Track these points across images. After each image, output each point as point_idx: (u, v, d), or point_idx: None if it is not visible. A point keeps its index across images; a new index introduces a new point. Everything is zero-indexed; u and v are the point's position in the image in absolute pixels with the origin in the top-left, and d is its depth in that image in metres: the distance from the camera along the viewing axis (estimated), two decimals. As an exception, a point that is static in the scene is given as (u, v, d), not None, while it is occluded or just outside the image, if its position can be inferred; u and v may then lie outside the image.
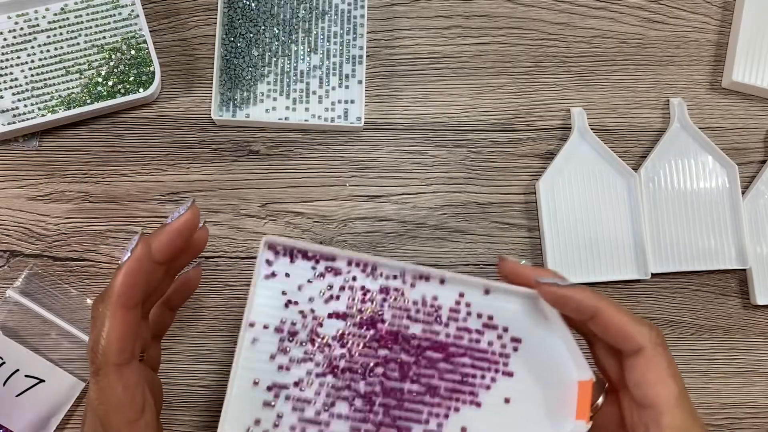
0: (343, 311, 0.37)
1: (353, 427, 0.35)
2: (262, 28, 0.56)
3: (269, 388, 0.35)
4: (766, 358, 0.57)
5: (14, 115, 0.54)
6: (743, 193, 0.57)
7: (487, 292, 0.38)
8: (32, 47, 0.54)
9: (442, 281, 0.37)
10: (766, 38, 0.58)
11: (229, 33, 0.56)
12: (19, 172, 0.54)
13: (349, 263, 0.37)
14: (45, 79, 0.54)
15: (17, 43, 0.54)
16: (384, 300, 0.37)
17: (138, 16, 0.55)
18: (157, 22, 0.56)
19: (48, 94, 0.54)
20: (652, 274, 0.55)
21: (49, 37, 0.55)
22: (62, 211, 0.54)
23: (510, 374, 0.37)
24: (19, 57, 0.54)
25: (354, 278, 0.37)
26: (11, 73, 0.54)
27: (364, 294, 0.37)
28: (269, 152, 0.56)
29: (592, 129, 0.57)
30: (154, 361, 0.43)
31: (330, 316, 0.36)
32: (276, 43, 0.57)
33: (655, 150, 0.57)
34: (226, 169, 0.55)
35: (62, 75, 0.54)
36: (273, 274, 0.36)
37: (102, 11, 0.55)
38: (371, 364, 0.36)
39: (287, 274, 0.37)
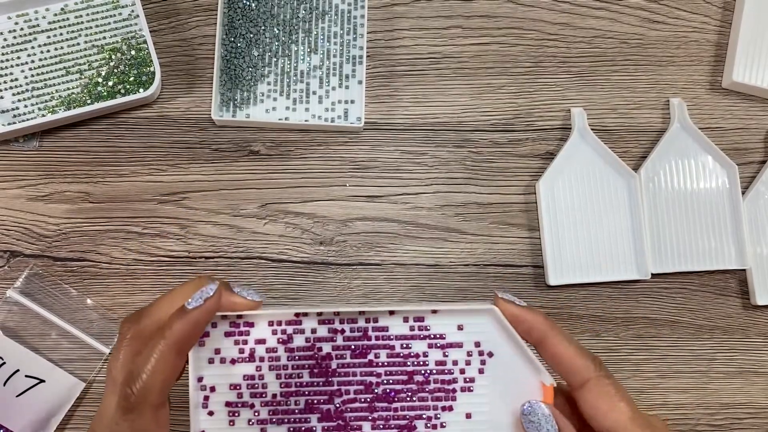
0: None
1: None
2: (263, 28, 0.56)
3: None
4: (765, 358, 0.57)
5: (14, 116, 0.54)
6: (743, 193, 0.57)
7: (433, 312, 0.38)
8: (32, 47, 0.54)
9: (391, 312, 0.37)
10: (766, 38, 0.58)
11: (230, 33, 0.56)
12: (19, 173, 0.54)
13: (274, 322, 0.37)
14: (45, 80, 0.54)
15: (17, 44, 0.54)
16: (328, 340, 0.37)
17: (138, 16, 0.55)
18: (157, 23, 0.56)
19: (48, 94, 0.54)
20: (652, 275, 0.55)
21: (49, 37, 0.55)
22: (62, 211, 0.54)
23: (470, 390, 0.37)
24: (19, 57, 0.54)
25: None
26: (11, 74, 0.54)
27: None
28: (269, 152, 0.56)
29: (592, 129, 0.57)
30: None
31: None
32: (276, 44, 0.57)
33: (655, 150, 0.57)
34: (226, 169, 0.55)
35: (62, 75, 0.54)
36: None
37: (102, 11, 0.55)
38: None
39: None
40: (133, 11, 0.55)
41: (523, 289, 0.56)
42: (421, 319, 0.37)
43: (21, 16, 0.55)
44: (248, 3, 0.57)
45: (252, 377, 0.36)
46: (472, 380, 0.37)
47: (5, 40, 0.54)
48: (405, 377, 0.36)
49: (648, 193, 0.56)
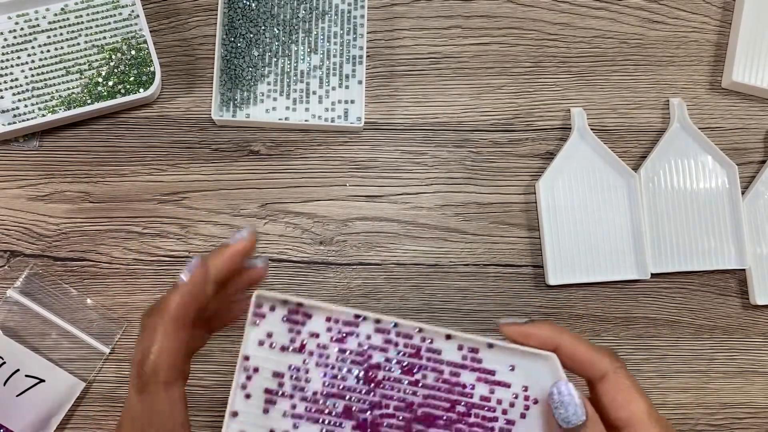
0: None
1: None
2: (263, 28, 0.56)
3: None
4: (765, 358, 0.57)
5: (14, 115, 0.54)
6: (743, 193, 0.57)
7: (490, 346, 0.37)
8: (32, 47, 0.55)
9: (448, 337, 0.36)
10: (766, 38, 0.58)
11: (230, 33, 0.56)
12: (20, 173, 0.54)
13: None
14: (45, 80, 0.54)
15: (18, 44, 0.54)
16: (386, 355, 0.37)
17: (138, 16, 0.55)
18: (157, 23, 0.56)
19: (48, 94, 0.54)
20: (652, 274, 0.55)
21: (49, 37, 0.55)
22: (62, 211, 0.54)
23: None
24: (19, 57, 0.54)
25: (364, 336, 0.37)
26: (11, 73, 0.54)
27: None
28: (269, 152, 0.56)
29: (592, 129, 0.57)
30: (184, 378, 0.43)
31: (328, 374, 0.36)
32: (276, 44, 0.57)
33: (655, 150, 0.57)
34: (227, 169, 0.55)
35: (62, 75, 0.54)
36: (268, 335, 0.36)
37: (102, 11, 0.55)
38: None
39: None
40: (133, 11, 0.55)
41: (522, 289, 0.56)
42: (475, 350, 0.36)
43: (21, 16, 0.55)
44: (248, 3, 0.57)
45: (297, 369, 0.35)
46: (512, 423, 0.36)
47: (5, 40, 0.54)
48: (447, 404, 0.36)
49: (648, 193, 0.56)
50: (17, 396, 0.50)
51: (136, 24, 0.55)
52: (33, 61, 0.54)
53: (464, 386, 0.36)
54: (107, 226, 0.54)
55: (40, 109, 0.54)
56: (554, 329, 0.36)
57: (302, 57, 0.57)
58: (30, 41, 0.55)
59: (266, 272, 0.40)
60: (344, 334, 0.36)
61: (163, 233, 0.54)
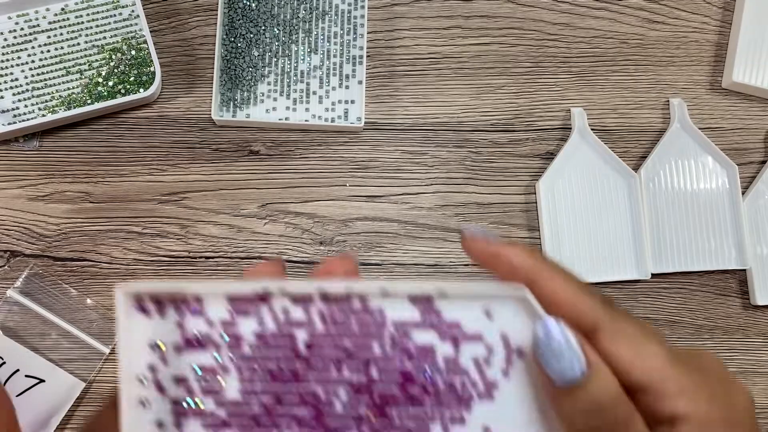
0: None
1: None
2: (263, 28, 0.56)
3: None
4: (765, 358, 0.57)
5: (15, 116, 0.54)
6: (743, 193, 0.57)
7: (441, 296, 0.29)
8: (33, 47, 0.55)
9: (385, 294, 0.29)
10: (766, 39, 0.58)
11: (230, 33, 0.56)
12: (20, 173, 0.54)
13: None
14: (45, 80, 0.54)
15: (18, 44, 0.54)
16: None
17: (138, 16, 0.55)
18: (157, 23, 0.56)
19: (48, 94, 0.54)
20: (652, 275, 0.55)
21: (49, 37, 0.55)
22: (62, 211, 0.54)
23: (491, 397, 0.29)
24: (19, 57, 0.54)
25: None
26: (12, 74, 0.54)
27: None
28: (269, 152, 0.56)
29: (592, 129, 0.57)
30: None
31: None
32: (276, 44, 0.57)
33: (655, 150, 0.57)
34: (227, 169, 0.55)
35: (63, 75, 0.54)
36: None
37: (102, 11, 0.55)
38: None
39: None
40: (133, 11, 0.55)
41: (523, 289, 0.56)
42: (428, 300, 0.28)
43: (21, 16, 0.55)
44: (248, 3, 0.57)
45: (204, 369, 0.29)
46: (493, 385, 0.28)
47: (5, 40, 0.54)
48: (400, 378, 0.29)
49: (648, 193, 0.56)
50: (17, 396, 0.50)
51: (136, 24, 0.55)
52: (33, 61, 0.54)
53: (422, 350, 0.28)
54: (107, 226, 0.54)
55: (40, 109, 0.54)
56: (531, 258, 0.27)
57: (302, 57, 0.57)
58: (30, 41, 0.55)
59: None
60: (252, 316, 0.29)
61: (163, 233, 0.54)
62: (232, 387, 0.29)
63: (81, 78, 0.55)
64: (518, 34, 0.58)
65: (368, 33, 0.57)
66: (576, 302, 0.26)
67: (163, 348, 0.29)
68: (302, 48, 0.57)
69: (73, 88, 0.54)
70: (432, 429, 0.29)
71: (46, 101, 0.54)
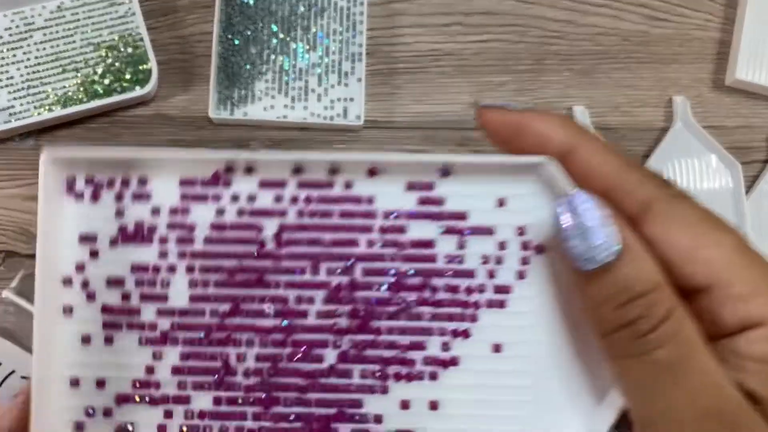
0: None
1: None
2: (260, 25, 0.56)
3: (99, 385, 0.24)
4: None
5: (10, 114, 0.53)
6: (747, 192, 0.57)
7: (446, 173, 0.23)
8: (28, 45, 0.54)
9: (372, 172, 0.23)
10: (771, 36, 0.58)
11: (227, 30, 0.55)
12: (15, 172, 0.54)
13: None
14: (41, 77, 0.54)
15: (13, 41, 0.54)
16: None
17: (135, 13, 0.54)
18: (154, 20, 0.56)
19: (44, 92, 0.54)
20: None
21: (45, 34, 0.54)
22: (58, 211, 0.54)
23: (502, 306, 0.23)
24: (14, 55, 0.54)
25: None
26: (7, 71, 0.54)
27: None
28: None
29: (594, 127, 0.56)
30: None
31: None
32: (274, 41, 0.56)
33: (658, 149, 0.56)
34: (224, 168, 0.55)
35: (58, 73, 0.54)
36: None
37: (98, 9, 0.55)
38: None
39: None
40: (129, 8, 0.55)
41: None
42: (428, 186, 0.23)
43: (17, 13, 0.54)
44: (246, 0, 0.56)
45: (145, 269, 0.23)
46: (505, 289, 0.23)
47: (1, 37, 0.54)
48: (392, 280, 0.23)
49: (651, 193, 0.56)
50: (13, 397, 0.50)
51: (132, 21, 0.55)
52: (29, 59, 0.54)
53: (419, 245, 0.23)
54: (104, 226, 0.54)
55: (35, 107, 0.53)
56: (565, 124, 0.21)
57: (301, 54, 0.56)
58: (25, 39, 0.54)
59: None
60: (209, 202, 0.23)
61: (161, 233, 0.54)
62: (179, 292, 0.23)
63: (77, 76, 0.54)
64: (520, 31, 0.58)
65: (367, 30, 0.57)
66: (622, 178, 0.20)
67: (97, 241, 0.23)
68: (301, 45, 0.56)
69: (69, 86, 0.54)
70: (429, 345, 0.23)
71: (42, 99, 0.54)
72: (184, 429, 0.23)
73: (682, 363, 0.19)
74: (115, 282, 0.23)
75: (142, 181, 0.23)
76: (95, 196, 0.23)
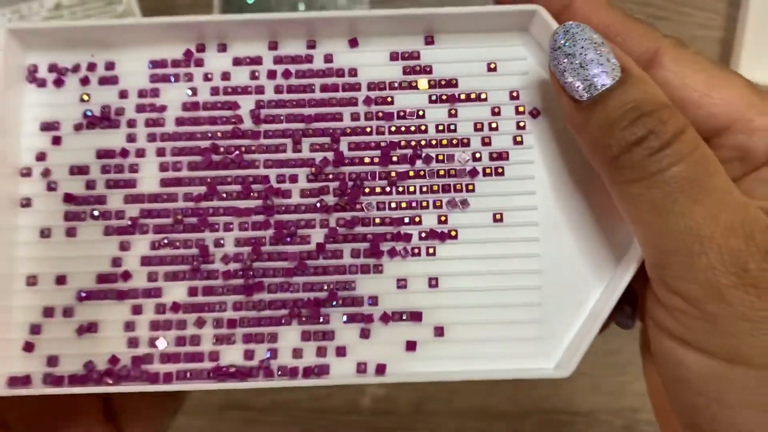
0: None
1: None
2: (260, 24, 0.56)
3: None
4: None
5: (8, 114, 0.53)
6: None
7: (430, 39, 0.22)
8: (26, 44, 0.54)
9: (353, 42, 0.22)
10: (774, 35, 0.57)
11: (226, 30, 0.55)
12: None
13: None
14: (39, 77, 0.53)
15: (11, 41, 0.54)
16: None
17: (133, 13, 0.54)
18: (153, 19, 0.56)
19: (42, 92, 0.53)
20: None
21: (43, 34, 0.54)
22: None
23: (500, 173, 0.22)
24: (12, 54, 0.54)
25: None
26: (5, 71, 0.53)
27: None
28: (267, 151, 0.55)
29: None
30: None
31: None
32: (274, 40, 0.56)
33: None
34: (224, 168, 0.54)
35: (56, 73, 0.54)
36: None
37: (97, 8, 0.55)
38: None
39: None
40: (128, 8, 0.54)
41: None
42: (413, 56, 0.22)
43: (15, 12, 0.54)
44: (245, 0, 0.56)
45: (112, 154, 0.22)
46: (501, 156, 0.22)
47: (-2, 37, 0.54)
48: (377, 153, 0.22)
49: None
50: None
51: (131, 21, 0.54)
52: (26, 59, 0.54)
53: (408, 115, 0.22)
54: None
55: (33, 107, 0.53)
56: None
57: (300, 54, 0.56)
58: (23, 38, 0.54)
59: None
60: (180, 81, 0.23)
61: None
62: (149, 177, 0.22)
63: (75, 76, 0.54)
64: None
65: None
66: (626, 26, 0.21)
67: (60, 129, 0.22)
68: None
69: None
70: (424, 219, 0.22)
71: (40, 99, 0.53)
72: (155, 325, 0.22)
73: (702, 180, 0.18)
74: (78, 170, 0.22)
75: (109, 66, 0.22)
76: (58, 83, 0.22)
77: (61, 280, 0.22)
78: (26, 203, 0.22)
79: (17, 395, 0.20)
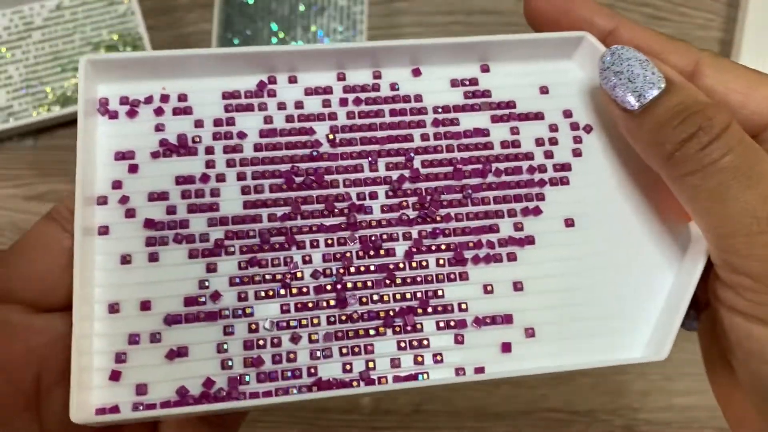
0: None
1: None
2: (260, 24, 0.56)
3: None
4: (771, 360, 0.56)
5: (9, 114, 0.53)
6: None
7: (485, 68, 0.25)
8: (27, 44, 0.54)
9: (416, 72, 0.25)
10: (773, 35, 0.57)
11: (227, 29, 0.55)
12: (14, 171, 0.54)
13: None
14: (40, 77, 0.54)
15: (12, 40, 0.54)
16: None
17: (134, 13, 0.54)
18: (153, 19, 0.56)
19: (43, 92, 0.53)
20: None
21: (44, 34, 0.54)
22: (57, 211, 0.53)
23: (565, 183, 0.24)
24: (13, 54, 0.54)
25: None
26: (6, 71, 0.53)
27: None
28: (267, 151, 0.55)
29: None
30: None
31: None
32: (274, 40, 0.56)
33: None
34: (224, 168, 0.55)
35: (58, 72, 0.54)
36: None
37: (98, 8, 0.55)
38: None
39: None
40: (129, 8, 0.55)
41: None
42: (474, 82, 0.25)
43: (16, 12, 0.54)
44: (245, 0, 0.56)
45: (191, 180, 0.23)
46: (564, 167, 0.24)
47: (-1, 37, 0.54)
48: (450, 168, 0.24)
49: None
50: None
51: (131, 21, 0.55)
52: (27, 59, 0.54)
53: (472, 134, 0.24)
54: (103, 226, 0.53)
55: (34, 107, 0.53)
56: (606, 9, 0.24)
57: (301, 54, 0.56)
58: (24, 38, 0.54)
59: None
60: (255, 111, 0.23)
61: (160, 233, 0.54)
62: (231, 200, 0.23)
63: (76, 75, 0.54)
64: (521, 30, 0.57)
65: (368, 29, 0.56)
66: (668, 46, 0.23)
67: (135, 157, 0.22)
68: (300, 44, 0.56)
69: (69, 85, 0.54)
70: (501, 228, 0.23)
71: (41, 99, 0.53)
72: (248, 344, 0.21)
73: (752, 167, 0.20)
74: (158, 196, 0.22)
75: (182, 98, 0.23)
76: (131, 114, 0.23)
77: (145, 305, 0.22)
78: (104, 231, 0.22)
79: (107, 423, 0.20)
